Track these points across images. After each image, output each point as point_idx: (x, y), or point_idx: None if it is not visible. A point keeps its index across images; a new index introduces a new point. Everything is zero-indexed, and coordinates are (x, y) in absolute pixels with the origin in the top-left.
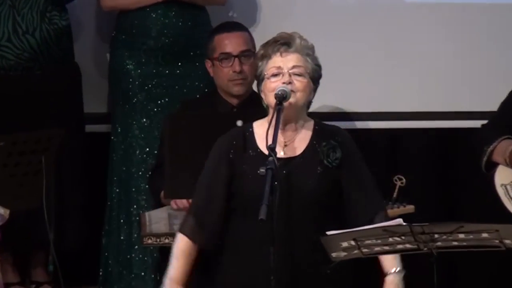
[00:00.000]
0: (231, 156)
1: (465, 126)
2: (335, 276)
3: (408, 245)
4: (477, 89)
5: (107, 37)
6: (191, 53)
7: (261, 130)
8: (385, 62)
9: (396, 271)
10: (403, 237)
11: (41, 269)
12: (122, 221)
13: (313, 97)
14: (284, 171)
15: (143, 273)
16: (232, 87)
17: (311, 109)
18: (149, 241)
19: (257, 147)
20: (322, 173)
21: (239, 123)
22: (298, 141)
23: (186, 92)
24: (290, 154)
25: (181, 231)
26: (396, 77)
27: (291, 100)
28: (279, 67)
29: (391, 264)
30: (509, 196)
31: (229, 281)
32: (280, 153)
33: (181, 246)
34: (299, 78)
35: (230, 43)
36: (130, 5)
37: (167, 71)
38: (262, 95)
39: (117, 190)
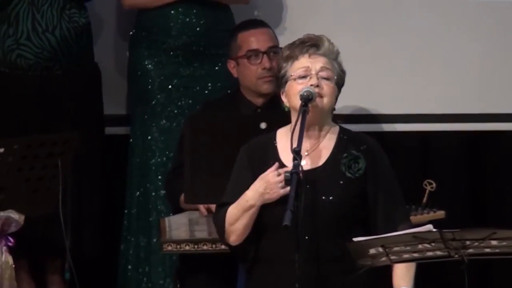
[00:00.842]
0: (253, 167)
1: (497, 129)
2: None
3: (438, 252)
4: (509, 91)
5: (127, 36)
6: (213, 53)
7: (283, 140)
8: (414, 62)
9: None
10: (433, 244)
11: (57, 277)
12: (141, 227)
13: (336, 102)
14: (307, 184)
15: (162, 281)
16: (262, 85)
17: (339, 111)
18: (169, 248)
19: (278, 158)
20: (345, 185)
21: (263, 125)
22: (321, 150)
23: (207, 93)
24: (312, 165)
25: (219, 218)
26: (426, 78)
27: (318, 103)
28: (307, 68)
29: (403, 281)
30: None
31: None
32: (302, 163)
33: None
34: (327, 82)
35: (256, 40)
36: (150, 3)
37: (188, 72)
38: (284, 98)
39: (136, 194)
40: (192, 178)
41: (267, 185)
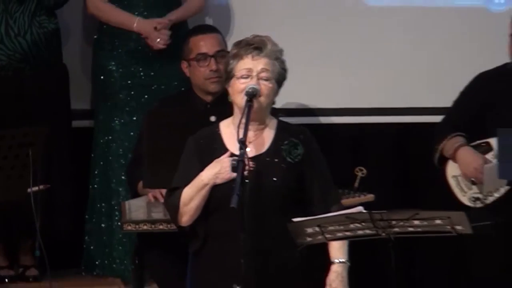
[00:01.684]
0: (199, 156)
1: (420, 121)
2: (302, 261)
3: (367, 231)
4: (433, 87)
5: (91, 40)
6: (168, 55)
7: (227, 130)
8: (348, 62)
9: (341, 261)
10: (363, 224)
11: (28, 254)
12: (103, 210)
13: (276, 97)
14: (254, 173)
15: (122, 257)
16: (209, 85)
17: (281, 106)
18: (129, 228)
19: (224, 146)
20: (286, 168)
21: (213, 118)
22: (263, 139)
23: (163, 90)
24: (255, 152)
25: (173, 202)
26: (358, 76)
27: (257, 101)
28: (249, 70)
29: (338, 254)
30: (460, 186)
31: (209, 268)
32: (246, 151)
33: None
34: (266, 83)
35: (205, 44)
36: (110, 23)
37: (146, 71)
38: (229, 93)
39: (99, 180)
40: (150, 166)
41: (221, 167)
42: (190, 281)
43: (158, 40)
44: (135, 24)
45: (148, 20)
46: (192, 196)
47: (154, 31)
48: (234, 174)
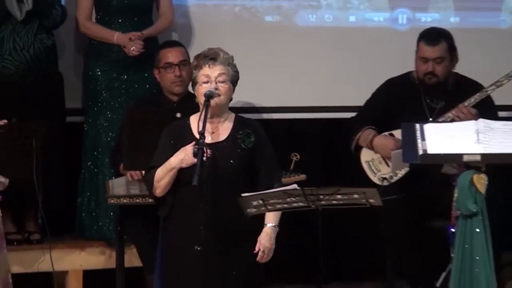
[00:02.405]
0: (172, 142)
1: (342, 117)
2: (249, 227)
3: (300, 203)
4: (350, 90)
5: (82, 52)
6: (142, 64)
7: (195, 123)
8: (286, 70)
9: (272, 225)
10: (297, 198)
11: (32, 222)
12: (92, 187)
13: (232, 95)
14: (212, 153)
15: (107, 224)
16: (174, 87)
17: (237, 105)
18: (112, 201)
19: (192, 135)
20: (241, 153)
21: (178, 115)
22: (222, 130)
23: (139, 92)
24: (216, 139)
25: (149, 179)
26: (293, 81)
27: (217, 100)
28: (208, 76)
29: (270, 220)
30: (371, 169)
31: (175, 232)
32: (208, 138)
33: None
34: (222, 84)
35: (172, 55)
36: (97, 38)
37: (125, 76)
38: (196, 95)
39: (89, 164)
40: (128, 152)
41: (185, 154)
42: (160, 243)
43: (133, 48)
44: (115, 37)
45: (125, 34)
46: (162, 176)
47: (130, 42)
48: (195, 160)
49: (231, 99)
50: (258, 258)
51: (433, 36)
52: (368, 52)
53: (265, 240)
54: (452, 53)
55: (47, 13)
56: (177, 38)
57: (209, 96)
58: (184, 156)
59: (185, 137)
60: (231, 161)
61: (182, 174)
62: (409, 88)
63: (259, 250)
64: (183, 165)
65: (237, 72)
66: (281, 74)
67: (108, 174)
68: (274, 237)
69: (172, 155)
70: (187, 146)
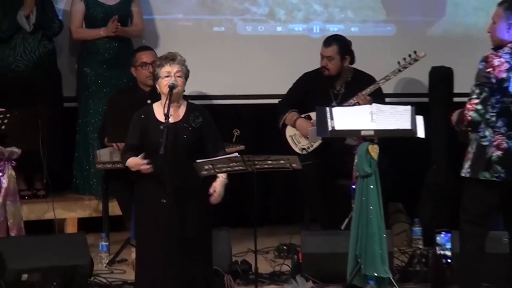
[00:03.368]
0: (141, 123)
1: (272, 103)
2: (201, 185)
3: (240, 167)
4: (277, 82)
5: (75, 54)
6: (121, 63)
7: (157, 108)
8: (228, 67)
9: (223, 177)
10: (237, 163)
11: (39, 182)
12: (84, 155)
13: (184, 87)
14: (173, 132)
15: (95, 183)
16: (148, 81)
17: (192, 94)
18: (99, 166)
19: (155, 117)
20: (191, 131)
21: (149, 101)
22: (179, 113)
23: (119, 84)
24: (174, 120)
25: (123, 160)
26: (233, 76)
27: (175, 90)
28: (169, 72)
29: (222, 174)
30: (294, 142)
31: (146, 189)
32: (169, 121)
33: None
34: (179, 79)
35: (146, 57)
36: (87, 38)
37: (109, 73)
38: (158, 87)
39: (82, 138)
40: (111, 129)
41: (135, 165)
42: (135, 197)
43: (113, 30)
44: (102, 32)
45: (106, 27)
46: (130, 166)
47: (110, 26)
48: (142, 167)
49: (184, 91)
50: (212, 199)
51: (328, 40)
52: (290, 54)
53: (218, 185)
54: (343, 54)
55: (48, 26)
56: (146, 43)
57: (172, 87)
58: (135, 166)
59: (149, 118)
60: (185, 136)
61: (150, 145)
62: (319, 79)
63: (213, 191)
64: (133, 169)
65: (188, 71)
66: (224, 70)
67: (96, 145)
68: (223, 185)
69: (139, 131)
70: (139, 162)
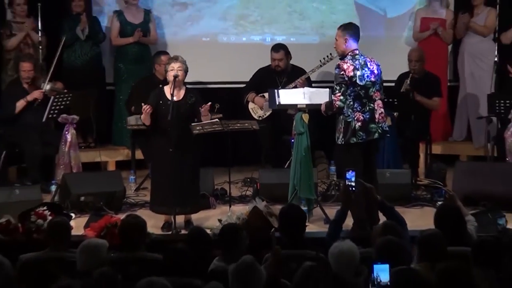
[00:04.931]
0: (156, 97)
1: (238, 87)
2: (193, 141)
3: (219, 128)
4: (243, 74)
5: (113, 55)
6: (142, 61)
7: (166, 90)
8: (211, 64)
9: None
10: (218, 125)
11: (90, 137)
12: (119, 119)
13: (185, 77)
14: (176, 105)
15: (127, 138)
16: (163, 73)
17: (189, 81)
18: (129, 127)
19: (165, 95)
20: (188, 106)
21: (161, 85)
22: (179, 94)
23: (140, 74)
24: (176, 98)
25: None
26: (216, 70)
27: (177, 79)
28: (173, 67)
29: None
30: (254, 111)
31: (158, 141)
32: (174, 98)
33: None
34: (181, 72)
35: (164, 58)
36: (121, 44)
37: (134, 67)
38: (167, 76)
39: (118, 110)
40: (136, 102)
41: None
42: (152, 146)
43: (137, 39)
44: (130, 40)
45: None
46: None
47: (136, 36)
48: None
49: (184, 79)
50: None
51: (277, 47)
52: (251, 56)
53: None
54: (287, 55)
55: (96, 36)
56: (158, 49)
57: (175, 76)
58: (144, 113)
59: (161, 95)
60: (183, 109)
61: (161, 112)
62: (269, 72)
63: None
64: (144, 119)
65: (187, 66)
66: (211, 65)
67: (127, 114)
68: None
69: (154, 103)
70: (146, 110)
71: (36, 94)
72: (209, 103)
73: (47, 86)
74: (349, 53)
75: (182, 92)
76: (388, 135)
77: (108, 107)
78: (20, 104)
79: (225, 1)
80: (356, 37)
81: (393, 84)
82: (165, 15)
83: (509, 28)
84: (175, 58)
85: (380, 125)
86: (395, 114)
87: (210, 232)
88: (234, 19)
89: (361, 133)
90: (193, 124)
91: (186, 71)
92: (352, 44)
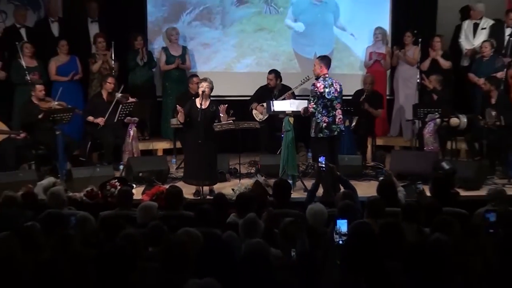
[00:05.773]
0: (190, 105)
1: (245, 99)
2: (215, 135)
3: (233, 127)
4: (249, 90)
5: (161, 76)
6: (181, 81)
7: (197, 101)
8: (229, 85)
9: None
10: (231, 125)
11: (146, 131)
12: (166, 120)
13: (211, 92)
14: (203, 111)
15: (171, 133)
16: (196, 90)
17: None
18: (172, 126)
19: (196, 105)
20: (211, 112)
21: (193, 98)
22: (206, 104)
23: (180, 90)
24: (203, 107)
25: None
26: (233, 87)
27: (204, 93)
28: (202, 85)
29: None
30: (256, 116)
31: (191, 135)
32: (202, 107)
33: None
34: (207, 89)
35: (196, 80)
36: (167, 69)
37: (175, 85)
38: (198, 92)
39: (164, 113)
40: (179, 105)
41: (179, 116)
42: (186, 139)
43: (177, 66)
44: (173, 66)
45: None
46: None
47: (176, 63)
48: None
49: (210, 94)
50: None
51: (270, 71)
52: (253, 79)
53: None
54: (277, 77)
55: (150, 64)
56: (191, 73)
57: (203, 92)
58: (179, 117)
59: (193, 104)
60: (208, 114)
61: (193, 115)
62: (266, 89)
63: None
64: (180, 119)
65: (212, 85)
66: (226, 85)
67: (170, 116)
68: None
69: (187, 110)
70: (179, 110)
71: (99, 121)
72: (226, 105)
73: (118, 95)
74: (322, 76)
75: (207, 103)
76: (344, 133)
77: (157, 112)
78: (91, 119)
79: (231, 41)
80: (328, 65)
81: (350, 97)
82: (196, 51)
83: (425, 60)
84: (204, 79)
85: (339, 126)
86: (355, 118)
87: (228, 197)
88: (239, 55)
89: (326, 130)
90: (214, 124)
91: (211, 88)
92: (324, 70)
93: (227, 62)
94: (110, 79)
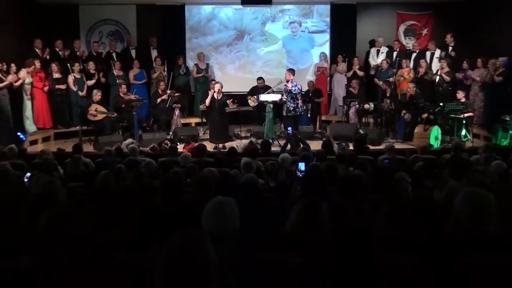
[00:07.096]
0: (211, 98)
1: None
2: (227, 115)
3: (236, 110)
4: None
5: (193, 81)
6: (206, 82)
7: (215, 94)
8: (236, 83)
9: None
10: (235, 108)
11: (185, 112)
12: (197, 105)
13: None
14: (221, 101)
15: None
16: (214, 88)
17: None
18: (200, 109)
19: (214, 96)
20: (223, 101)
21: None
22: (219, 96)
23: (205, 88)
24: (218, 98)
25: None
26: (238, 85)
27: (219, 90)
28: (216, 85)
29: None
30: (250, 103)
31: (212, 114)
32: (217, 98)
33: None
34: (218, 88)
35: (213, 82)
36: (196, 77)
37: (202, 85)
38: (214, 89)
39: (196, 102)
40: (203, 99)
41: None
42: (209, 115)
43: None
44: (200, 74)
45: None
46: (207, 105)
47: (203, 73)
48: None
49: (221, 90)
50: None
51: (258, 78)
52: (249, 81)
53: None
54: (263, 81)
55: (187, 73)
56: (211, 78)
57: (218, 89)
58: (206, 102)
59: (213, 97)
60: (221, 102)
61: (213, 104)
62: (257, 87)
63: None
64: (206, 101)
65: (222, 86)
66: (232, 84)
67: (199, 103)
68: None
69: (210, 99)
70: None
71: (164, 97)
72: (231, 99)
73: (168, 91)
74: (290, 80)
75: (220, 95)
76: (302, 113)
77: (191, 101)
78: (160, 99)
79: (236, 62)
80: (293, 74)
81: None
82: (214, 66)
83: (349, 71)
84: (217, 82)
85: (299, 109)
86: (309, 105)
87: (238, 148)
88: (242, 67)
89: (292, 111)
90: (226, 107)
91: (222, 87)
92: (291, 76)
93: (232, 72)
94: (161, 83)
